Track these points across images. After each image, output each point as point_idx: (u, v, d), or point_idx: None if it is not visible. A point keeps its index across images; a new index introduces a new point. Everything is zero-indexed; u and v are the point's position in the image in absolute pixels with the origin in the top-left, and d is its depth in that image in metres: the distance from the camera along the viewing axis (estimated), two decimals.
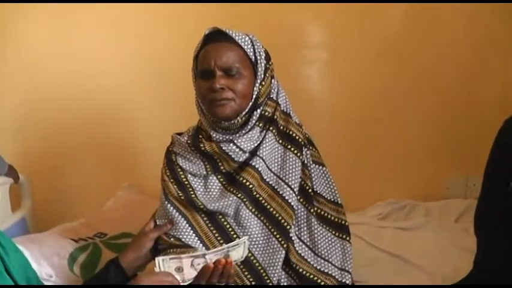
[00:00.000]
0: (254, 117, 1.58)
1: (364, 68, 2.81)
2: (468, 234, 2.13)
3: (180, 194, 1.61)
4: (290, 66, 2.78)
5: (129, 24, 2.82)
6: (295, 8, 2.82)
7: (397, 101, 2.82)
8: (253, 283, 1.55)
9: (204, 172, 1.62)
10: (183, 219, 1.60)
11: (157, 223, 1.64)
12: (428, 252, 2.13)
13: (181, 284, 1.28)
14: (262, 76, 1.59)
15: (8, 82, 2.83)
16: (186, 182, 1.63)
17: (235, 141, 1.56)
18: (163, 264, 1.31)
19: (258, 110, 1.59)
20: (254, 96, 1.57)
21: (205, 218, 1.60)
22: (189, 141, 1.65)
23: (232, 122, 1.56)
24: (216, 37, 1.59)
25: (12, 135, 2.76)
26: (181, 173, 1.64)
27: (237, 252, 1.36)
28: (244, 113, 1.56)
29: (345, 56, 2.85)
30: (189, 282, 1.33)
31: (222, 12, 2.61)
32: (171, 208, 1.61)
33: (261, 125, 1.60)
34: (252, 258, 1.56)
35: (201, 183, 1.63)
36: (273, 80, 1.65)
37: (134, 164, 2.87)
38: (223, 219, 1.59)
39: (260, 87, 1.59)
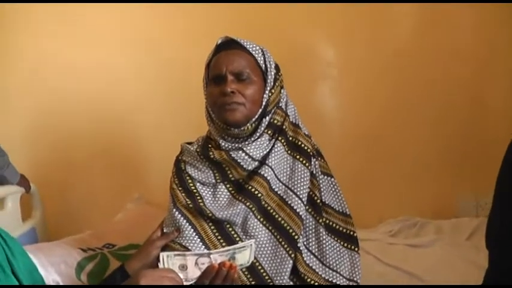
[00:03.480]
0: (263, 125, 1.59)
1: (373, 84, 2.83)
2: (479, 251, 2.10)
3: (189, 202, 1.61)
4: (300, 82, 2.79)
5: (137, 36, 2.86)
6: (307, 27, 2.87)
7: (406, 117, 2.83)
8: None
9: (213, 180, 1.62)
10: (190, 227, 1.59)
11: (165, 231, 1.63)
12: (438, 269, 2.10)
13: (184, 283, 1.26)
14: (272, 84, 1.61)
15: (20, 95, 2.86)
16: (195, 190, 1.63)
17: (244, 148, 1.57)
18: (168, 260, 1.30)
19: (267, 118, 1.60)
20: (264, 103, 1.59)
21: (212, 227, 1.59)
22: (198, 150, 1.66)
23: (242, 128, 1.57)
24: (228, 45, 1.63)
25: (23, 147, 2.78)
26: (190, 181, 1.65)
27: (243, 255, 1.34)
28: (253, 119, 1.57)
29: (353, 72, 2.87)
30: (192, 282, 1.31)
31: (235, 27, 2.63)
32: (179, 216, 1.61)
33: (269, 132, 1.61)
34: (259, 267, 1.55)
35: (210, 192, 1.63)
36: (282, 90, 1.66)
37: (143, 176, 2.88)
38: (230, 228, 1.58)
39: (270, 94, 1.60)
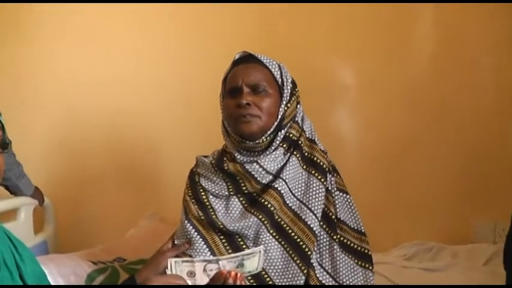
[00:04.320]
0: (278, 138, 1.59)
1: (390, 108, 2.84)
2: (496, 276, 2.05)
3: (201, 214, 1.60)
4: (318, 105, 2.78)
5: (155, 52, 2.88)
6: (325, 50, 2.89)
7: (423, 141, 2.82)
8: None
9: (226, 193, 1.61)
10: (201, 239, 1.57)
11: (176, 243, 1.62)
12: None
13: None
14: (288, 98, 1.61)
15: (38, 110, 2.88)
16: (207, 203, 1.62)
17: (259, 161, 1.56)
18: (176, 266, 1.28)
19: (283, 131, 1.59)
20: (279, 116, 1.58)
21: (223, 240, 1.57)
22: (213, 162, 1.65)
23: (257, 141, 1.56)
24: (245, 60, 1.64)
25: (39, 160, 2.78)
26: (203, 193, 1.64)
27: (252, 262, 1.32)
28: (269, 132, 1.56)
29: (371, 96, 2.87)
30: None
31: (253, 48, 2.65)
32: (190, 228, 1.59)
33: (285, 146, 1.59)
34: (270, 283, 1.52)
35: (222, 204, 1.62)
36: (298, 106, 1.66)
37: (158, 193, 2.87)
38: (241, 242, 1.56)
39: (286, 108, 1.60)
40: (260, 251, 1.33)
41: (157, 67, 2.88)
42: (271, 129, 1.57)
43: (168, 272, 1.29)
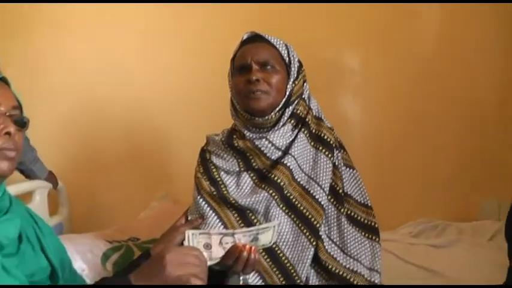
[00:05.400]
0: (286, 114, 1.63)
1: (395, 90, 2.90)
2: (502, 251, 2.08)
3: (213, 190, 1.65)
4: (322, 92, 2.83)
5: (164, 40, 2.95)
6: (329, 37, 2.93)
7: (429, 122, 2.87)
8: (281, 279, 1.56)
9: (237, 169, 1.66)
10: (213, 214, 1.62)
11: (189, 218, 1.67)
12: (460, 267, 2.10)
13: (208, 262, 1.28)
14: (296, 75, 1.65)
15: (52, 98, 2.94)
16: (219, 179, 1.67)
17: (268, 137, 1.61)
18: (193, 238, 1.32)
19: (290, 108, 1.64)
20: (287, 92, 1.62)
21: (235, 214, 1.62)
22: (223, 139, 1.70)
23: (266, 118, 1.61)
24: (253, 39, 1.68)
25: (53, 145, 2.84)
26: (214, 170, 1.69)
27: (266, 236, 1.36)
28: (277, 108, 1.61)
29: (377, 78, 2.93)
30: (216, 262, 1.33)
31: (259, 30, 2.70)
32: (203, 203, 1.64)
33: (292, 122, 1.64)
34: (281, 255, 1.58)
35: (233, 180, 1.67)
36: (305, 84, 1.70)
37: (169, 176, 2.94)
38: (253, 217, 1.61)
39: (293, 85, 1.64)
40: (274, 226, 1.38)
41: (167, 54, 2.94)
42: (280, 105, 1.61)
43: (186, 243, 1.33)
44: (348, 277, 1.56)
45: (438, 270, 2.09)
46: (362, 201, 1.69)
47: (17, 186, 2.25)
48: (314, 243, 1.57)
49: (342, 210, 1.64)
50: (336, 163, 1.67)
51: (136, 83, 2.93)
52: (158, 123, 2.93)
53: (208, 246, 1.33)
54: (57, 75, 2.91)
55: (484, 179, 2.80)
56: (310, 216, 1.59)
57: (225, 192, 1.64)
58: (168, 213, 2.45)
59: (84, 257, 1.93)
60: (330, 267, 1.57)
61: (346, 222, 1.63)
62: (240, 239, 1.34)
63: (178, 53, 2.93)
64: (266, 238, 1.37)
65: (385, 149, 2.87)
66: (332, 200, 1.64)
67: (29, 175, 2.41)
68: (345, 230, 1.63)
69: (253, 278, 1.54)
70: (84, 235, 2.17)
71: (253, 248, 1.33)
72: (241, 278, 1.42)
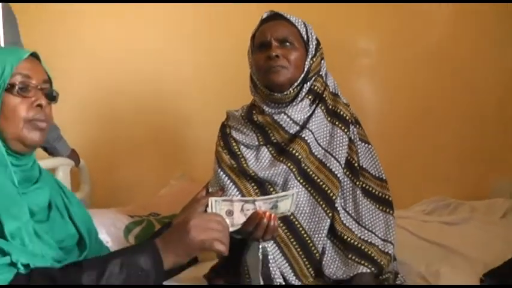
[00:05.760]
0: (304, 90, 1.69)
1: (409, 71, 2.93)
2: None
3: (233, 163, 1.71)
4: (340, 70, 2.87)
5: (186, 24, 3.00)
6: (342, 21, 2.96)
7: (441, 102, 2.91)
8: (298, 250, 1.63)
9: (256, 143, 1.72)
10: (233, 186, 1.68)
11: (210, 190, 1.73)
12: (472, 243, 2.13)
13: (230, 228, 1.33)
14: (314, 52, 1.71)
15: (74, 80, 2.98)
16: (239, 152, 1.73)
17: (287, 112, 1.66)
18: (216, 205, 1.37)
19: (308, 83, 1.69)
20: (306, 69, 1.68)
21: (255, 187, 1.68)
22: (242, 115, 1.76)
23: (285, 93, 1.66)
24: (272, 18, 1.74)
25: (75, 124, 2.86)
26: (234, 144, 1.75)
27: (285, 204, 1.41)
28: (296, 84, 1.66)
29: (391, 60, 2.97)
30: (237, 228, 1.39)
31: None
32: (223, 175, 1.70)
33: (310, 97, 1.70)
34: (298, 225, 1.64)
35: (253, 154, 1.73)
36: (322, 61, 1.76)
37: (187, 155, 3.00)
38: (271, 189, 1.67)
39: (311, 62, 1.69)
40: (293, 194, 1.43)
41: (184, 36, 3.00)
42: (298, 81, 1.67)
43: (209, 210, 1.38)
44: (362, 247, 1.62)
45: (451, 246, 2.12)
46: (377, 175, 1.74)
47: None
48: (330, 214, 1.63)
49: (357, 183, 1.69)
50: (352, 137, 1.73)
51: (156, 67, 2.98)
52: (176, 105, 2.98)
53: (230, 213, 1.38)
54: (79, 61, 2.96)
55: (495, 158, 2.83)
56: (326, 189, 1.64)
57: (245, 165, 1.69)
58: (187, 191, 2.49)
59: (107, 230, 2.00)
60: (345, 237, 1.63)
61: (361, 195, 1.69)
62: (261, 206, 1.39)
63: (195, 35, 2.98)
64: (285, 206, 1.42)
65: (398, 129, 2.91)
66: (348, 173, 1.70)
67: (52, 153, 2.46)
68: (360, 203, 1.68)
69: (271, 248, 1.60)
70: (106, 210, 2.24)
71: (272, 215, 1.39)
72: (260, 245, 1.48)
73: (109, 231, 2.00)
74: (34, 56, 1.37)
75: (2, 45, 2.09)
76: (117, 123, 3.00)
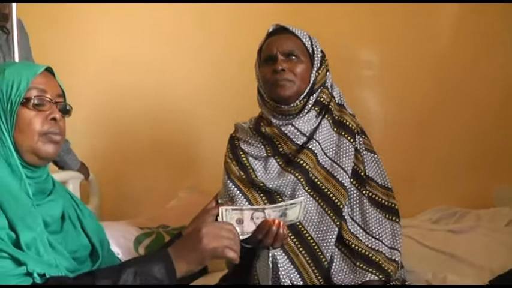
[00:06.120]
0: (311, 102, 1.73)
1: (413, 80, 2.97)
2: None
3: (242, 174, 1.74)
4: (344, 80, 2.91)
5: (196, 37, 3.02)
6: (346, 29, 3.00)
7: (445, 111, 2.94)
8: (307, 258, 1.66)
9: (264, 154, 1.75)
10: (242, 196, 1.72)
11: (219, 201, 1.75)
12: (478, 251, 2.15)
13: (240, 237, 1.36)
14: (319, 65, 1.75)
15: (82, 92, 3.00)
16: (247, 164, 1.76)
17: (294, 123, 1.70)
18: (226, 214, 1.40)
19: (314, 95, 1.73)
20: (311, 81, 1.72)
21: (263, 197, 1.71)
22: (251, 126, 1.79)
23: (292, 105, 1.70)
24: (278, 32, 1.78)
25: (84, 137, 2.88)
26: (243, 155, 1.78)
27: (294, 211, 1.44)
28: (302, 96, 1.70)
29: (394, 69, 3.00)
30: (248, 236, 1.41)
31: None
32: (232, 186, 1.73)
33: (316, 109, 1.73)
34: (306, 235, 1.67)
35: (261, 165, 1.76)
36: (327, 73, 1.80)
37: (196, 167, 3.02)
38: (280, 199, 1.70)
39: (316, 74, 1.73)
40: (301, 202, 1.45)
41: (194, 47, 3.03)
42: (304, 93, 1.71)
43: (219, 219, 1.40)
44: (370, 255, 1.64)
45: (458, 254, 2.14)
46: (383, 184, 1.77)
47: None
48: (338, 223, 1.66)
49: (364, 192, 1.72)
50: (358, 147, 1.76)
51: (164, 78, 3.01)
52: (185, 118, 3.01)
53: (240, 221, 1.40)
54: (85, 72, 2.99)
55: (499, 167, 2.85)
56: (334, 198, 1.67)
57: (254, 176, 1.73)
58: (195, 203, 2.52)
59: (117, 242, 2.03)
60: (353, 246, 1.65)
61: (367, 203, 1.72)
62: (270, 214, 1.42)
63: (205, 46, 3.01)
64: (294, 214, 1.44)
65: (402, 140, 2.93)
66: (354, 182, 1.73)
67: (62, 166, 2.50)
68: (367, 211, 1.71)
69: (280, 257, 1.63)
70: (116, 222, 2.27)
71: (282, 223, 1.41)
72: (270, 253, 1.50)
73: (119, 242, 2.03)
74: (48, 70, 1.41)
75: (17, 60, 2.13)
76: (125, 135, 3.03)
